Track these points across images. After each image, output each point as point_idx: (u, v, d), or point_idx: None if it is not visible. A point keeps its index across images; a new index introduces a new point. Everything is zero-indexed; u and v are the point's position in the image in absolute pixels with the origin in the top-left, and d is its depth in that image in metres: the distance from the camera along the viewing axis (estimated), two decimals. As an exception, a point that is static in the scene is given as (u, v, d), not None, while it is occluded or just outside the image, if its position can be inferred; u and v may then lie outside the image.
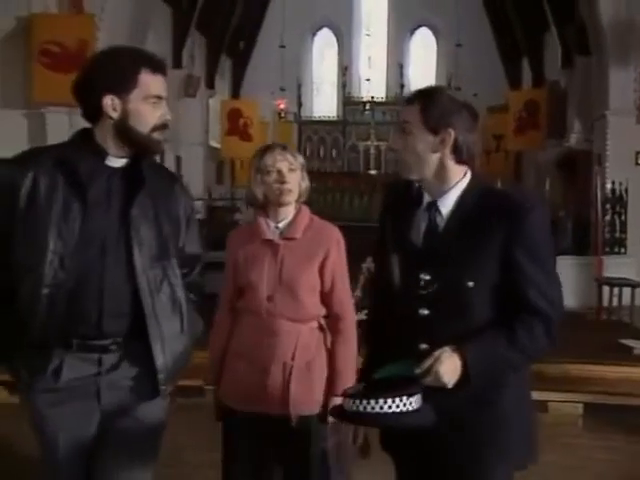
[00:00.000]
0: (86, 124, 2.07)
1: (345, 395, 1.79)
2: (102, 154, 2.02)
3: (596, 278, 8.83)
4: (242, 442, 2.50)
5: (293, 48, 17.46)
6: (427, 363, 1.74)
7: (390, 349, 1.96)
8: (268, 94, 16.21)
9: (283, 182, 2.46)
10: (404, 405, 1.68)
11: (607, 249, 9.67)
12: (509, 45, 16.27)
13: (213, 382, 2.59)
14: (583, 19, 10.87)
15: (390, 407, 1.67)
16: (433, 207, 1.93)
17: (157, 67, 2.02)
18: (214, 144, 15.62)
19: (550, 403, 5.00)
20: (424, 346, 1.85)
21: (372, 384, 1.81)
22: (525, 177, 14.86)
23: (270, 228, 2.52)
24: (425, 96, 1.90)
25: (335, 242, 2.55)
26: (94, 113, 2.02)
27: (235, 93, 17.97)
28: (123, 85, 1.96)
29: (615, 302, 8.48)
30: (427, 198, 1.95)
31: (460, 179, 1.91)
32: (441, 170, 1.90)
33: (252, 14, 17.35)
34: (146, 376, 2.05)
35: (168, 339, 2.06)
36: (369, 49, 18.64)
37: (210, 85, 16.31)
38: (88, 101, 2.01)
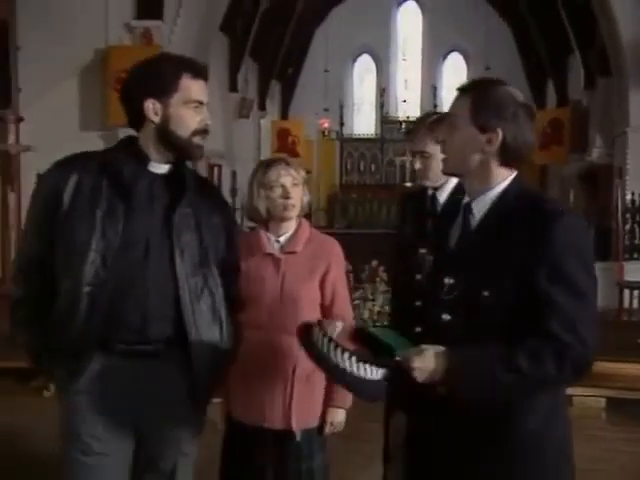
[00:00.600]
0: None
1: (320, 325, 1.62)
2: (144, 160, 1.88)
3: (617, 282, 8.74)
4: (247, 454, 2.29)
5: (336, 72, 17.50)
6: (411, 352, 1.53)
7: None
8: (313, 114, 16.29)
9: (287, 197, 2.24)
10: (363, 370, 1.52)
11: (627, 255, 9.52)
12: (535, 68, 16.07)
13: (220, 395, 2.35)
14: (604, 43, 10.72)
15: (350, 364, 1.51)
16: (468, 209, 1.66)
17: (198, 72, 1.87)
18: (265, 160, 15.74)
19: (575, 397, 4.96)
20: None
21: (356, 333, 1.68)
22: (550, 189, 14.62)
23: (270, 242, 2.31)
24: (479, 88, 1.62)
25: (335, 256, 2.34)
26: (137, 118, 1.88)
27: (284, 114, 18.08)
28: (164, 89, 1.82)
29: (635, 304, 8.42)
30: (467, 199, 1.68)
31: (502, 181, 1.62)
32: (483, 170, 1.61)
33: (299, 43, 17.46)
34: (185, 384, 1.91)
35: (207, 348, 1.90)
36: (405, 73, 18.60)
37: (262, 107, 16.46)
38: (131, 106, 1.88)
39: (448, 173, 1.78)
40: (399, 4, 18.63)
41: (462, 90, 1.65)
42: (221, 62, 13.79)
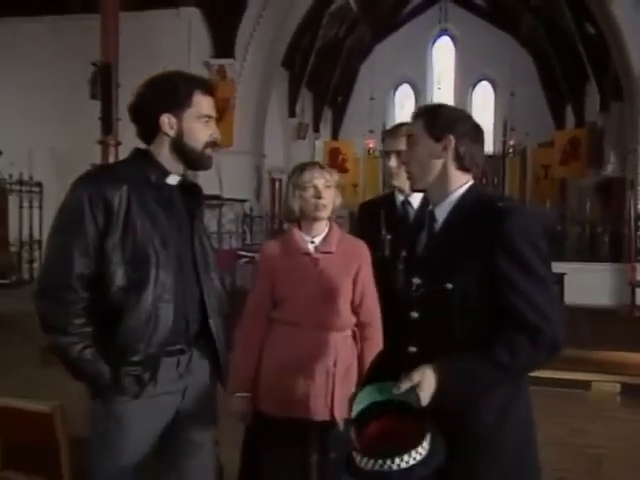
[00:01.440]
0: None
1: (360, 451, 1.33)
2: (165, 172, 1.71)
3: (630, 282, 8.58)
4: (282, 448, 2.07)
5: (379, 100, 17.48)
6: (405, 386, 1.35)
7: (386, 353, 1.68)
8: (360, 136, 16.29)
9: (319, 197, 2.08)
10: (425, 450, 1.30)
11: (639, 257, 9.31)
12: (555, 93, 15.76)
13: (245, 390, 2.10)
14: (617, 72, 10.48)
15: (415, 458, 1.29)
16: (431, 215, 1.58)
17: (208, 89, 1.74)
18: (319, 175, 15.84)
19: (593, 383, 4.90)
20: (413, 349, 1.53)
21: (359, 420, 1.37)
22: (569, 200, 14.32)
23: (305, 242, 2.13)
24: (428, 110, 1.59)
25: (365, 258, 2.17)
26: (150, 132, 1.72)
27: (335, 135, 18.17)
28: (179, 104, 1.67)
29: (646, 302, 8.20)
30: (430, 207, 1.60)
31: (459, 187, 1.54)
32: (443, 176, 1.54)
33: (348, 75, 17.54)
34: (209, 371, 1.79)
35: (222, 339, 1.81)
36: (439, 100, 18.47)
37: (316, 130, 16.62)
38: (146, 120, 1.70)
39: (416, 189, 1.69)
40: (434, 40, 18.51)
41: (415, 115, 1.61)
42: (282, 92, 14.00)
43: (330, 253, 2.11)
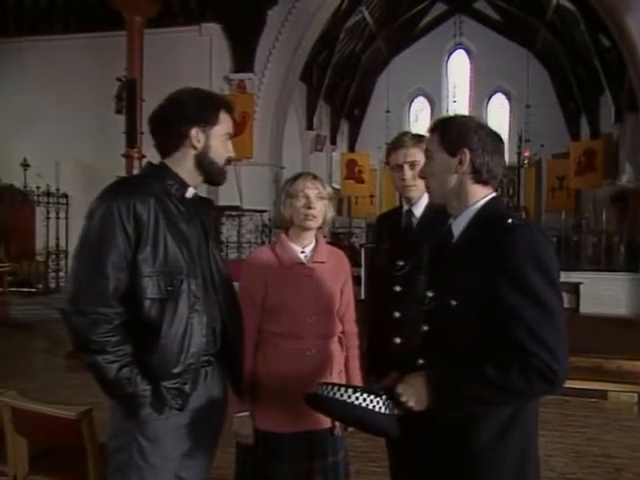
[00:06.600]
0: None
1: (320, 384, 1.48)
2: (185, 185, 1.70)
3: (646, 292, 8.41)
4: (286, 464, 2.00)
5: (395, 112, 17.50)
6: (387, 380, 1.45)
7: (394, 362, 1.65)
8: (376, 148, 16.30)
9: (310, 207, 2.03)
10: (370, 402, 1.40)
11: (655, 268, 9.17)
12: (570, 105, 15.66)
13: (245, 409, 2.01)
14: (632, 83, 10.38)
15: (357, 399, 1.40)
16: (449, 228, 1.54)
17: (229, 108, 1.74)
18: (336, 186, 15.88)
19: (610, 392, 4.82)
20: (421, 361, 1.50)
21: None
22: (584, 210, 14.18)
23: (297, 251, 2.08)
24: (442, 123, 1.54)
25: (349, 269, 2.18)
26: (173, 144, 1.69)
27: (351, 147, 18.22)
28: (208, 120, 1.67)
29: (663, 311, 8.05)
30: (450, 220, 1.55)
31: (477, 201, 1.49)
32: (460, 190, 1.49)
33: (364, 88, 17.59)
34: (227, 382, 1.79)
35: (240, 352, 1.81)
36: (455, 111, 18.44)
37: (333, 142, 16.66)
38: (172, 132, 1.67)
39: (437, 202, 1.64)
40: (449, 53, 18.50)
41: (431, 129, 1.56)
42: (300, 105, 14.07)
43: (322, 263, 2.08)
